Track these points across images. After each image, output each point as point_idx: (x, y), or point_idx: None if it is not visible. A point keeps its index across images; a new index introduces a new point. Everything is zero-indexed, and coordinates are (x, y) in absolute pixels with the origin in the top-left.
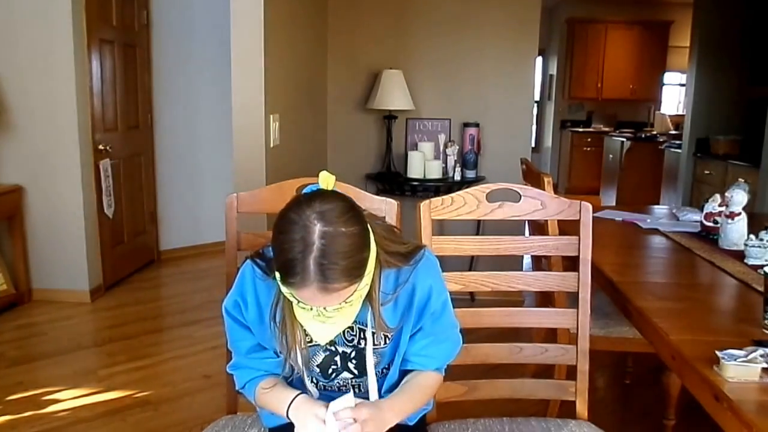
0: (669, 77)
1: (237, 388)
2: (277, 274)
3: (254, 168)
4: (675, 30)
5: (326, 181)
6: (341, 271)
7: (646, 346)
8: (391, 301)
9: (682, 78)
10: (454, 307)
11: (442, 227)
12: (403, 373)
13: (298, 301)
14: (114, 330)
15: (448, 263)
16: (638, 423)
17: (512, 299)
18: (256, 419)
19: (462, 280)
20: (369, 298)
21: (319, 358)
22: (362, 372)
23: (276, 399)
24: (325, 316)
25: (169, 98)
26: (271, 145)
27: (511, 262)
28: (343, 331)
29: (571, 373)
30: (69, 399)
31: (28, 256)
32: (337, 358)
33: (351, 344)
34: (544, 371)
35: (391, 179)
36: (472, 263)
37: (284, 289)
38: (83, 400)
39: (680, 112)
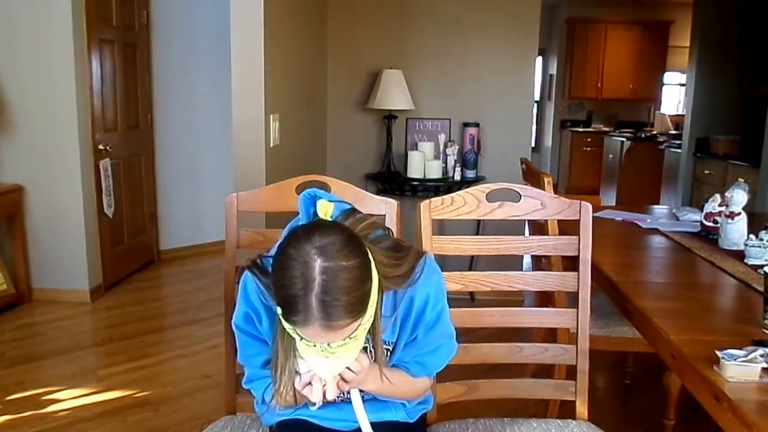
0: (669, 77)
1: (258, 401)
2: (279, 309)
3: (254, 167)
4: (675, 30)
5: (324, 209)
6: (344, 307)
7: (646, 346)
8: (389, 326)
9: (682, 78)
10: (454, 307)
11: (442, 227)
12: None
13: (301, 338)
14: (114, 330)
15: (448, 263)
16: (638, 423)
17: (512, 299)
18: (256, 419)
19: (462, 279)
20: (372, 326)
21: None
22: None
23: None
24: (329, 351)
25: (169, 98)
26: (271, 145)
27: (511, 262)
28: None
29: (570, 372)
30: (69, 399)
31: (28, 255)
32: None
33: None
34: (544, 371)
35: (391, 179)
36: (472, 263)
37: (287, 326)
38: (83, 400)
39: (680, 112)
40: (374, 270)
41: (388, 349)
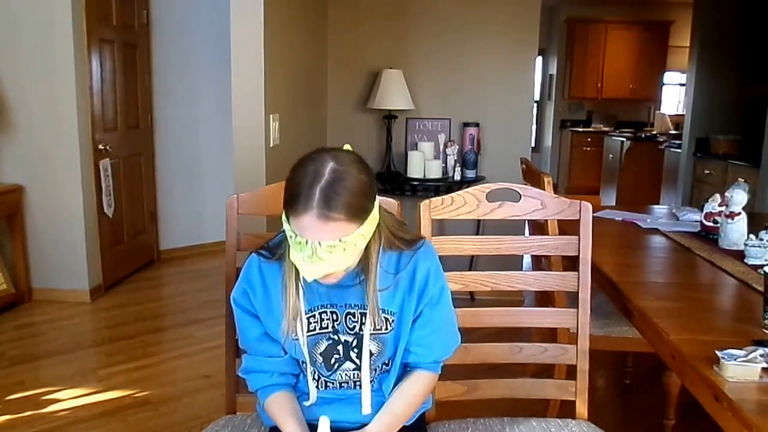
0: (669, 77)
1: (250, 389)
2: (284, 211)
3: (254, 167)
4: (675, 30)
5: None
6: (343, 203)
7: (646, 345)
8: (392, 286)
9: (682, 78)
10: (454, 307)
11: (442, 227)
12: (402, 368)
13: (296, 235)
14: (113, 330)
15: (448, 263)
16: (638, 423)
17: (512, 299)
18: (256, 419)
19: (462, 279)
20: (366, 272)
21: (322, 346)
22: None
23: (280, 425)
24: (317, 255)
25: (169, 98)
26: (271, 145)
27: (511, 262)
28: (345, 318)
29: (570, 372)
30: (69, 399)
31: (27, 255)
32: (340, 347)
33: (352, 331)
34: (544, 371)
35: (391, 179)
36: (471, 263)
37: (286, 226)
38: (83, 400)
39: (680, 112)
40: (378, 207)
41: (387, 318)
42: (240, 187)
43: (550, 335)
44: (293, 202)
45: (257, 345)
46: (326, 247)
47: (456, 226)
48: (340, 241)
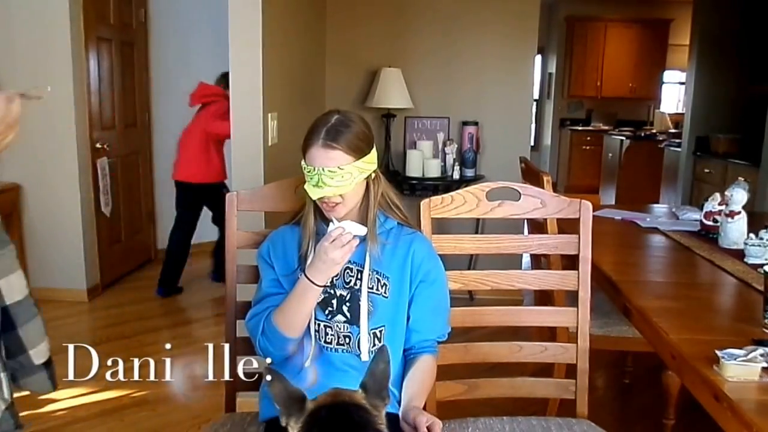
0: (669, 75)
1: (256, 337)
2: (303, 159)
3: (252, 166)
4: (675, 28)
5: None
6: (344, 138)
7: (646, 345)
8: (389, 243)
9: (681, 76)
10: (453, 307)
11: (441, 226)
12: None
13: (307, 167)
14: (111, 329)
15: (448, 262)
16: (638, 422)
17: (512, 298)
18: (255, 417)
19: (462, 278)
20: (366, 223)
21: (320, 297)
22: (354, 319)
23: (291, 293)
24: (322, 181)
25: (166, 96)
26: (269, 144)
27: (511, 261)
28: (343, 273)
29: (570, 371)
30: (66, 398)
31: (25, 254)
32: (334, 301)
33: (348, 286)
34: (544, 370)
35: (389, 178)
36: (471, 262)
37: (303, 164)
38: (81, 400)
39: (680, 111)
40: (375, 160)
41: (380, 280)
42: (238, 185)
43: (549, 334)
44: (306, 141)
45: (269, 289)
46: (328, 172)
47: (455, 225)
48: (339, 168)
